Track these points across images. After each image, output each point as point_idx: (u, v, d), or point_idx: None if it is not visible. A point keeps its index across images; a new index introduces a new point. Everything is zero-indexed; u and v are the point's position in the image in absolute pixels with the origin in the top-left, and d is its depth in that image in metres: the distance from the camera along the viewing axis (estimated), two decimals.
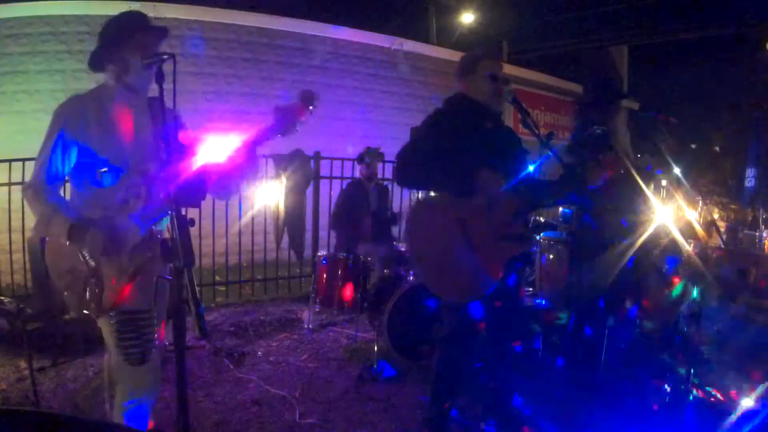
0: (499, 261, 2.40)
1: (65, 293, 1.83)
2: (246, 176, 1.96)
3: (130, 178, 1.84)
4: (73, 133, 1.82)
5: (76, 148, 1.84)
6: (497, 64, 2.59)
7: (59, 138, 1.83)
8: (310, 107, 1.93)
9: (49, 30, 6.36)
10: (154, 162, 1.82)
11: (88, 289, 1.75)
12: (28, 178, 4.44)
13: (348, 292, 3.97)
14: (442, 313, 2.66)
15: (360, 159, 4.82)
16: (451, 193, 2.41)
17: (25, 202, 1.91)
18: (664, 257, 3.41)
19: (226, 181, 1.92)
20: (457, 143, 2.41)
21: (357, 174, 4.99)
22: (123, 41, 1.83)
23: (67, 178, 1.93)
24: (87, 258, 1.75)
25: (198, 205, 1.72)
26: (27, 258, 4.26)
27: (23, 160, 4.48)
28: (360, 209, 4.72)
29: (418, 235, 2.51)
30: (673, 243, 3.59)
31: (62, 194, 1.93)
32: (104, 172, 1.84)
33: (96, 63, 1.91)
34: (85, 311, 1.79)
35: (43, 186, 1.84)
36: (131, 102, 1.91)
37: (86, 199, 1.89)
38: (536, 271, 4.85)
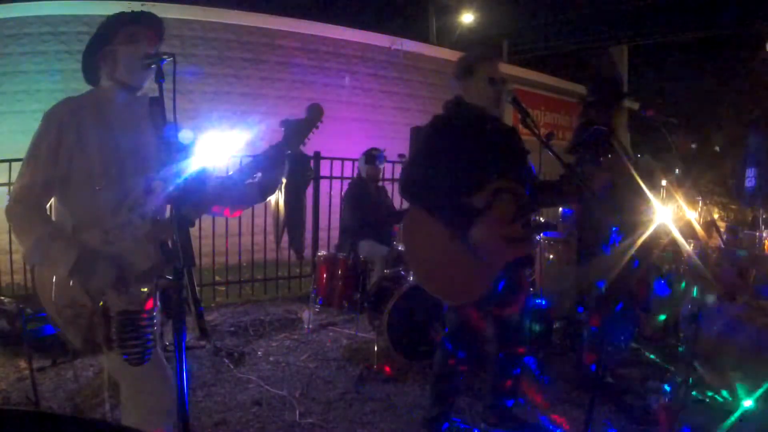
0: (498, 263, 2.40)
1: (66, 329, 1.68)
2: (258, 193, 1.91)
3: (133, 195, 1.69)
4: (69, 139, 1.66)
5: (72, 157, 1.66)
6: (495, 66, 2.53)
7: (53, 144, 1.65)
8: (318, 124, 1.90)
9: (49, 30, 6.36)
10: (156, 171, 1.67)
11: (94, 325, 1.61)
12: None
13: (348, 292, 3.97)
14: (445, 313, 2.66)
15: (371, 159, 4.80)
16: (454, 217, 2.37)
17: (11, 224, 1.66)
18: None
19: (233, 199, 1.88)
20: (458, 153, 2.40)
21: (363, 174, 4.91)
22: (110, 36, 1.75)
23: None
24: (91, 292, 1.60)
25: (199, 207, 1.71)
26: None
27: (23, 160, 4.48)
28: (361, 208, 4.72)
29: (415, 236, 2.50)
30: (674, 243, 3.59)
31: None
32: (101, 189, 1.67)
33: (88, 70, 1.81)
34: (92, 350, 1.66)
35: (36, 203, 1.65)
36: (131, 104, 1.79)
37: (80, 219, 1.69)
38: (536, 271, 4.85)
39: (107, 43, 1.76)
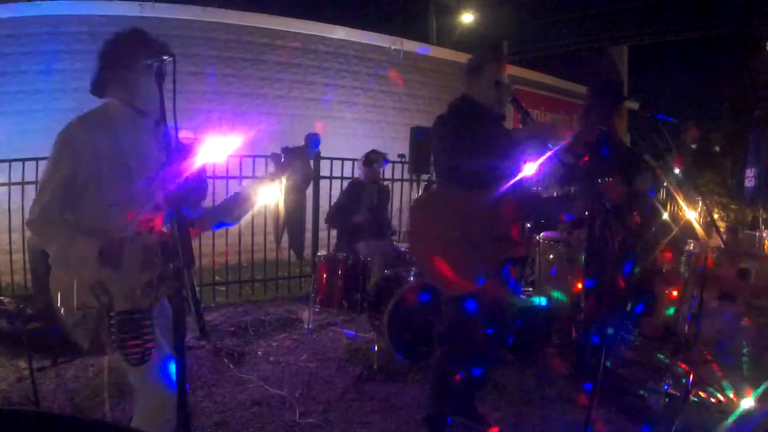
0: (490, 260, 2.45)
1: (74, 331, 1.71)
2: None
3: (143, 210, 1.73)
4: (84, 165, 1.69)
5: (86, 178, 1.70)
6: (502, 69, 2.59)
7: (69, 172, 1.69)
8: (314, 152, 2.01)
9: (49, 30, 6.36)
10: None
11: (102, 326, 1.65)
12: (27, 177, 4.46)
13: (348, 292, 3.96)
14: (442, 309, 2.67)
15: (369, 162, 4.82)
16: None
17: (35, 236, 1.77)
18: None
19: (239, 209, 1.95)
20: (462, 146, 2.44)
21: (360, 175, 4.93)
22: (133, 62, 1.74)
23: None
24: (104, 289, 1.63)
25: (198, 207, 1.71)
26: (27, 258, 4.27)
27: (23, 160, 4.48)
28: (360, 208, 4.72)
29: (420, 223, 2.56)
30: (674, 244, 3.59)
31: None
32: (113, 205, 1.71)
33: (99, 87, 1.81)
34: (101, 351, 1.68)
35: (57, 219, 1.71)
36: (142, 128, 1.79)
37: (90, 229, 1.73)
38: (536, 271, 4.85)
39: (128, 68, 1.76)
